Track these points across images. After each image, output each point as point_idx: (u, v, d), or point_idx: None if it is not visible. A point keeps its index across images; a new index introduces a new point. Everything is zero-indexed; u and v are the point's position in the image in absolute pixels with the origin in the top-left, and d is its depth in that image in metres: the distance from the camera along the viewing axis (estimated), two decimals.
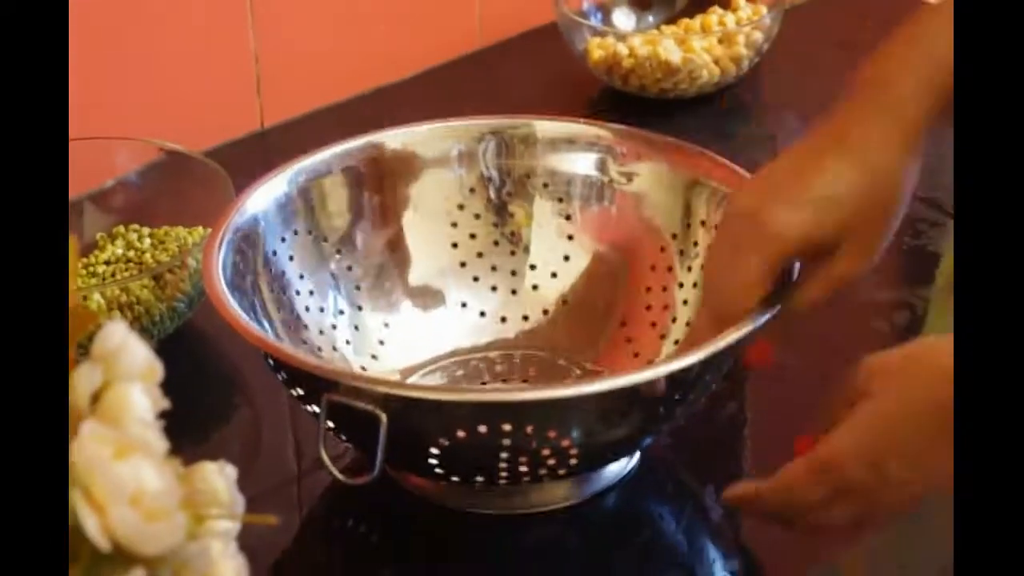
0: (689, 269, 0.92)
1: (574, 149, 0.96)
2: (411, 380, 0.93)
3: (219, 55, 1.19)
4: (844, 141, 0.81)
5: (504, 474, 0.80)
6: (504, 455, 0.78)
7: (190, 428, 0.91)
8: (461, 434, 0.77)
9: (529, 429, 0.77)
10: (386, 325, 0.95)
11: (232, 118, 1.21)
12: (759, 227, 0.80)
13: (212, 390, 0.97)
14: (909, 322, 1.00)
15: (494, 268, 0.97)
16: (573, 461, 0.80)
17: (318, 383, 0.77)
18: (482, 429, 0.77)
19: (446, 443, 0.78)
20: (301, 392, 0.81)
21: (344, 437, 0.82)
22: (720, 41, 1.24)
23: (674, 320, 0.92)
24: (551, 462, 0.80)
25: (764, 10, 1.28)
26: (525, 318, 0.97)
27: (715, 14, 1.29)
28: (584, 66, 1.27)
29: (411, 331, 0.96)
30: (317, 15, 1.22)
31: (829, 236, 0.79)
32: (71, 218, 1.06)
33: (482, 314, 0.97)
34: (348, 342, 0.93)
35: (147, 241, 1.03)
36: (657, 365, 0.81)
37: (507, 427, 0.77)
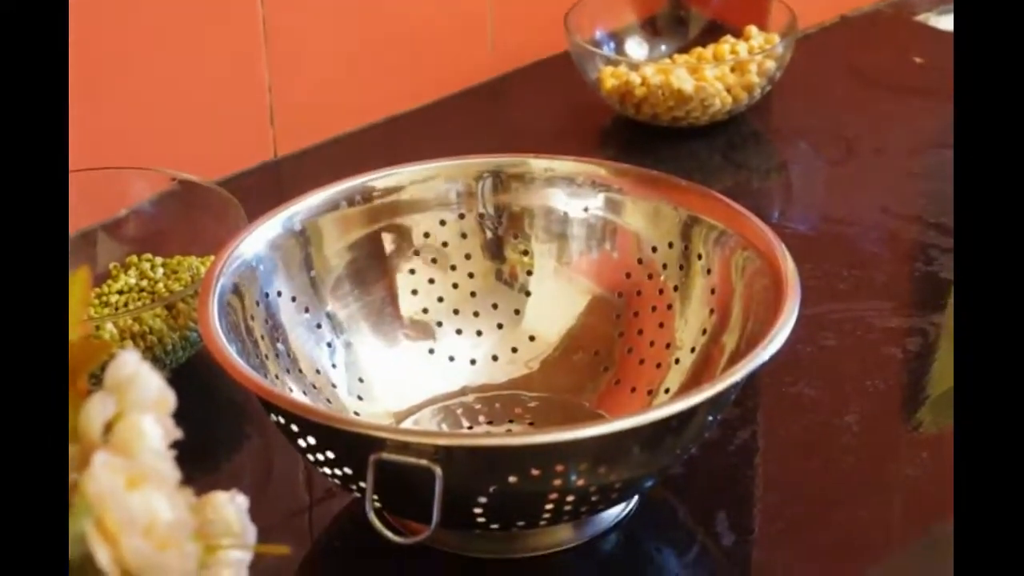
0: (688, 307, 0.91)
1: (572, 186, 0.95)
2: (408, 424, 0.92)
3: (233, 85, 1.19)
4: None
5: (546, 516, 0.79)
6: (552, 496, 0.77)
7: (201, 458, 0.92)
8: (513, 479, 0.76)
9: (583, 466, 0.76)
10: (378, 367, 0.93)
11: (245, 148, 1.22)
12: None
13: (223, 419, 0.97)
14: (921, 348, 1.00)
15: (495, 306, 0.96)
16: (615, 495, 0.80)
17: (362, 443, 0.75)
18: (535, 472, 0.76)
19: (494, 491, 0.77)
20: (331, 455, 0.78)
21: (377, 496, 0.77)
22: (732, 69, 1.24)
23: (677, 361, 0.91)
24: (595, 498, 0.79)
25: (776, 38, 1.28)
26: (523, 359, 0.95)
27: (727, 43, 1.29)
28: (597, 95, 1.27)
29: (405, 373, 0.94)
30: (330, 45, 1.23)
31: None
32: (85, 248, 1.06)
33: (475, 359, 0.95)
34: (334, 385, 0.91)
35: (160, 271, 1.03)
36: (704, 389, 0.77)
37: (560, 467, 0.76)
